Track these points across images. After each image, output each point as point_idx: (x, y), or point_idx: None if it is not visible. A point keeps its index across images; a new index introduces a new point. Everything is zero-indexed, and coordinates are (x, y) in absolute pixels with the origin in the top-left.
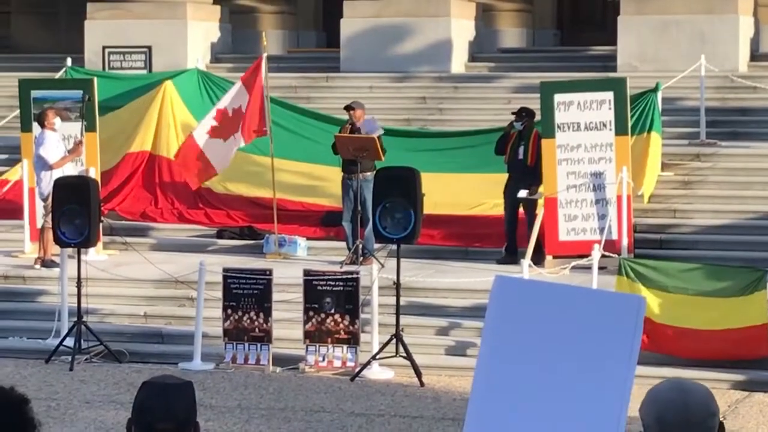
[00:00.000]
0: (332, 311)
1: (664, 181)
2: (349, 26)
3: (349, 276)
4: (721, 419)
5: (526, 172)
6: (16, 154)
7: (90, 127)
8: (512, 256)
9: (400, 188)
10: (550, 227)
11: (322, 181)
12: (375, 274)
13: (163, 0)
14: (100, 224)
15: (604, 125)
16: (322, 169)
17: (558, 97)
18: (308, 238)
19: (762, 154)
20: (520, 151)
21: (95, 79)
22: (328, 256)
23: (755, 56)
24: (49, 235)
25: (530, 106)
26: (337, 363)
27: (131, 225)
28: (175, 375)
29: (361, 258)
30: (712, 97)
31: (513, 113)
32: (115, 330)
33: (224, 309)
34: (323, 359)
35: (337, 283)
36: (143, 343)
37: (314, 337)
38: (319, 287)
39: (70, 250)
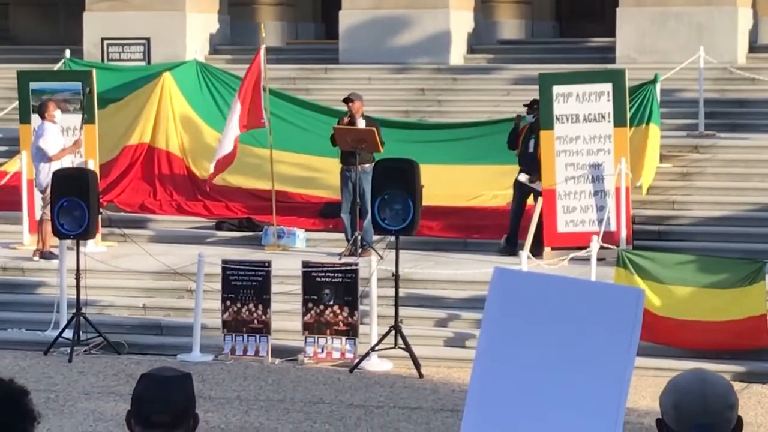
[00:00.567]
0: (331, 303)
1: (662, 172)
2: (347, 18)
3: (348, 267)
4: (740, 415)
5: (536, 165)
6: (15, 146)
7: (89, 119)
8: (512, 248)
9: (398, 180)
10: (548, 219)
11: (321, 173)
12: (374, 266)
13: None
14: (99, 216)
15: (603, 117)
16: (321, 160)
17: (557, 89)
18: (307, 230)
19: (760, 145)
20: (530, 143)
21: (94, 71)
22: (326, 247)
23: (754, 48)
24: (48, 226)
25: (529, 97)
26: (336, 354)
27: (130, 217)
28: (174, 367)
29: (360, 249)
30: (711, 89)
31: (525, 105)
32: (113, 321)
33: (223, 300)
34: (322, 351)
35: (336, 274)
36: (142, 335)
37: (313, 328)
38: (318, 279)
39: (68, 242)
